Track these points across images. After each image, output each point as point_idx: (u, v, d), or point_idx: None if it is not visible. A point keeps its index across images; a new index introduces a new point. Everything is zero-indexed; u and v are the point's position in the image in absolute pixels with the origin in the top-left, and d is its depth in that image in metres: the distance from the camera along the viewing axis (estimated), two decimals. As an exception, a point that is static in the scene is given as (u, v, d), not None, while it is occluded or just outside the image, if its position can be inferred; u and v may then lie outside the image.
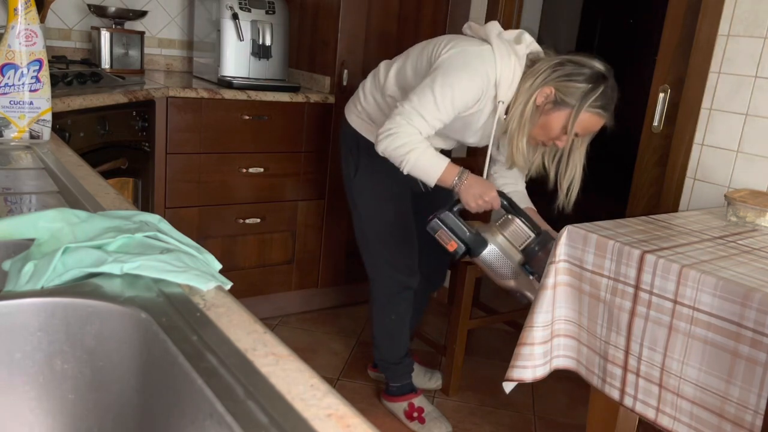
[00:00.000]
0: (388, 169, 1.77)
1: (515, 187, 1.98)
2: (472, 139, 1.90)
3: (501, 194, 1.74)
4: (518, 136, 1.74)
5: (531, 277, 1.68)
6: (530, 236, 1.69)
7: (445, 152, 2.06)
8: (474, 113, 1.79)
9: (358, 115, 2.01)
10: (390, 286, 2.08)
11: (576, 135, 1.74)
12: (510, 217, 1.73)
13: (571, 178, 1.81)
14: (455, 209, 1.72)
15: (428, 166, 1.70)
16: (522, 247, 1.70)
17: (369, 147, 1.89)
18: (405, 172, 1.72)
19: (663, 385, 1.33)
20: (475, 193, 1.71)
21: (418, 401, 2.16)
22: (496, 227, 1.72)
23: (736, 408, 1.21)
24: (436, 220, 1.70)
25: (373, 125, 1.96)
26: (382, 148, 1.71)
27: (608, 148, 6.85)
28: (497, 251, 1.68)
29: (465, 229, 1.69)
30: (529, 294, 1.70)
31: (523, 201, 1.96)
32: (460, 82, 1.69)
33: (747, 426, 1.19)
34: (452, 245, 1.69)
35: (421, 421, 2.13)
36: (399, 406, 2.18)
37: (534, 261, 1.68)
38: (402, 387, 2.19)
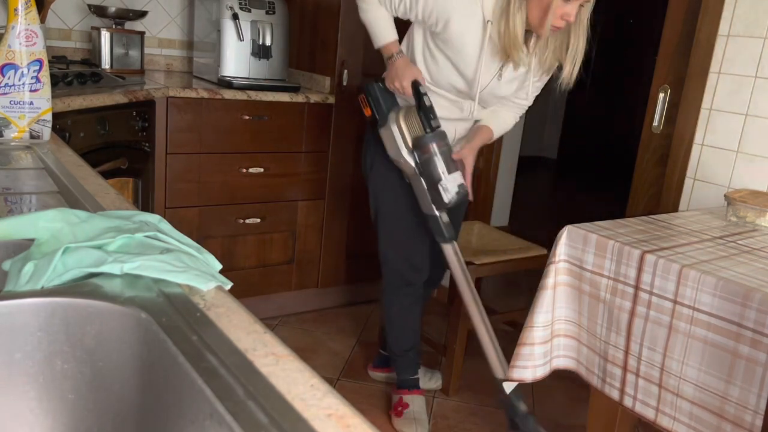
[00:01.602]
0: None
1: (499, 110, 1.98)
2: (468, 70, 1.82)
3: (416, 86, 1.78)
4: (511, 24, 1.69)
5: (414, 166, 1.79)
6: (422, 131, 1.78)
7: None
8: (460, 34, 1.74)
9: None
10: (393, 279, 2.10)
11: None
12: (412, 108, 1.81)
13: (574, 51, 1.78)
14: (384, 83, 1.87)
15: (378, 30, 1.87)
16: (414, 137, 1.79)
17: None
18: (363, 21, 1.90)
19: (663, 385, 1.33)
20: (393, 74, 1.81)
21: (410, 398, 2.17)
22: (402, 113, 1.81)
23: (736, 408, 1.21)
24: (368, 84, 1.89)
25: None
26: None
27: (608, 148, 6.83)
28: (390, 132, 1.80)
29: (382, 104, 1.85)
30: (406, 176, 1.84)
31: (491, 120, 1.96)
32: None
33: (747, 426, 1.19)
34: (367, 111, 1.89)
35: (398, 415, 2.15)
36: (395, 398, 2.20)
37: (419, 153, 1.78)
38: (403, 381, 2.20)
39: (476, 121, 1.99)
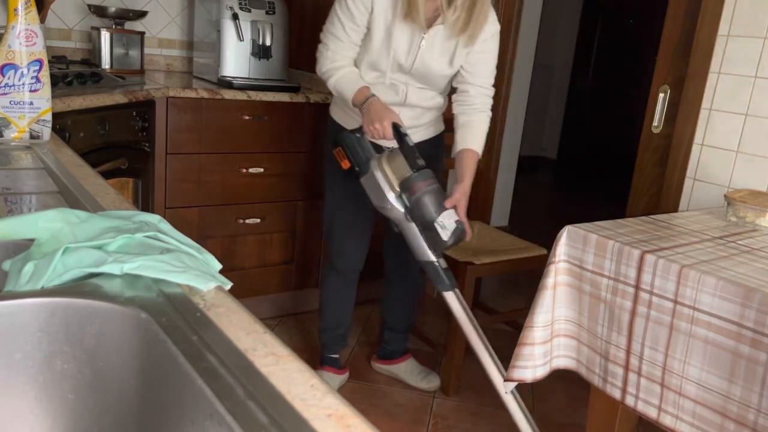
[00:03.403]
0: None
1: (468, 117, 1.96)
2: (402, 49, 1.86)
3: (397, 128, 1.73)
4: None
5: (403, 210, 1.73)
6: (409, 172, 1.72)
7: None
8: (380, 7, 1.81)
9: (334, 102, 2.11)
10: (328, 261, 2.23)
11: None
12: (395, 150, 1.77)
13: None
14: (361, 133, 1.82)
15: (345, 87, 1.86)
16: (401, 180, 1.74)
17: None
18: (333, 92, 1.93)
19: (665, 384, 1.33)
20: (371, 118, 1.77)
21: (320, 373, 2.24)
22: (384, 158, 1.77)
23: (739, 407, 1.21)
24: (342, 135, 1.84)
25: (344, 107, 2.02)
26: (318, 74, 1.93)
27: (608, 148, 6.82)
28: (374, 179, 1.75)
29: (360, 153, 1.80)
30: (395, 224, 1.79)
31: (469, 136, 1.94)
32: None
33: (750, 425, 1.19)
34: (345, 163, 1.83)
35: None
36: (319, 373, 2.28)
37: (408, 194, 1.72)
38: (322, 357, 2.34)
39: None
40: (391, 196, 1.74)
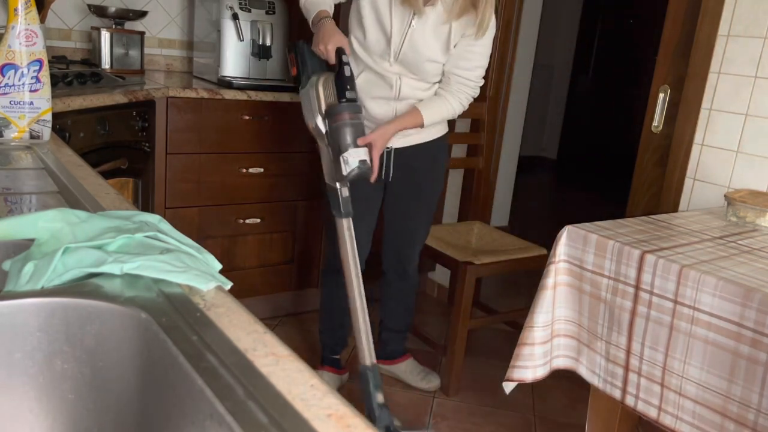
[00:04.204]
0: None
1: (441, 93, 1.98)
2: (386, 20, 1.88)
3: (340, 53, 1.76)
4: None
5: (323, 131, 1.77)
6: (334, 99, 1.76)
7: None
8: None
9: None
10: (327, 261, 2.24)
11: None
12: (330, 75, 1.80)
13: None
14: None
15: (311, 6, 1.88)
16: (328, 103, 1.77)
17: None
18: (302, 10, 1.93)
19: (665, 384, 1.33)
20: (319, 37, 1.80)
21: (320, 373, 2.24)
22: (323, 78, 1.79)
23: (739, 407, 1.21)
24: (297, 42, 1.87)
25: None
26: None
27: (608, 148, 6.81)
28: (308, 96, 1.80)
29: (309, 65, 1.84)
30: (318, 139, 1.82)
31: (424, 103, 1.95)
32: None
33: (750, 425, 1.19)
34: (293, 70, 1.87)
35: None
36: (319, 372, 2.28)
37: (330, 120, 1.76)
38: (323, 357, 2.36)
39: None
40: (318, 117, 1.78)
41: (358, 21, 1.92)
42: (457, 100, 1.97)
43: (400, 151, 2.05)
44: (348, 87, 1.74)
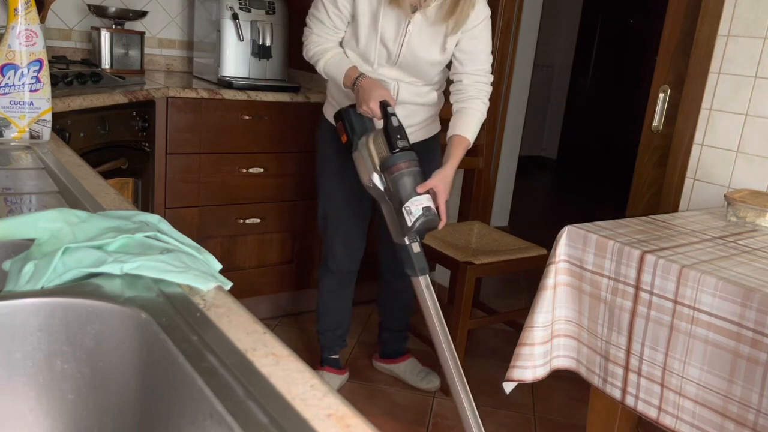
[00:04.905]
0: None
1: (461, 104, 1.94)
2: (389, 36, 1.87)
3: (385, 106, 1.74)
4: None
5: (381, 188, 1.76)
6: (386, 152, 1.73)
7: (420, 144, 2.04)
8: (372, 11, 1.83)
9: (328, 102, 2.10)
10: (323, 261, 2.22)
11: None
12: (378, 131, 1.78)
13: None
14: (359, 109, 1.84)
15: (334, 70, 1.88)
16: (381, 157, 1.75)
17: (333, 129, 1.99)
18: (324, 76, 1.94)
19: (665, 384, 1.33)
20: (361, 98, 1.79)
21: (320, 374, 2.22)
22: (372, 136, 1.79)
23: (739, 407, 1.21)
24: (342, 109, 1.87)
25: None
26: (305, 58, 1.96)
27: (608, 148, 6.81)
28: (360, 157, 1.79)
29: (356, 128, 1.82)
30: (377, 198, 1.80)
31: (459, 123, 1.92)
32: None
33: (750, 425, 1.19)
34: (344, 138, 1.85)
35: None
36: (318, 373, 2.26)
37: (386, 174, 1.73)
38: (322, 358, 2.34)
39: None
40: (374, 175, 1.75)
41: (353, 31, 1.89)
42: (479, 101, 1.94)
43: None
44: (399, 137, 1.70)
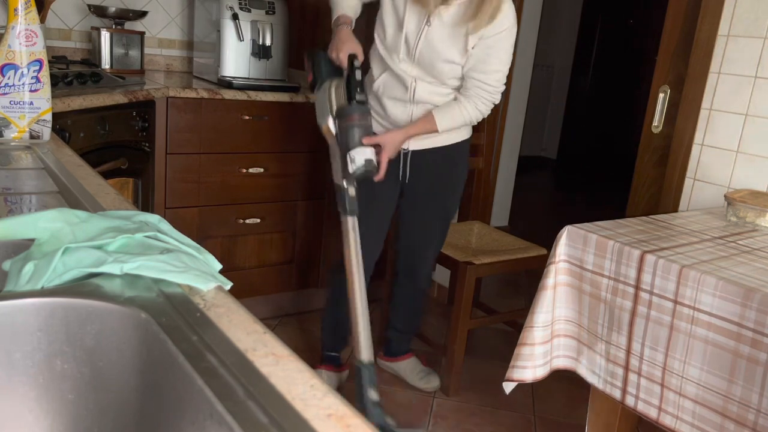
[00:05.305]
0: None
1: (456, 96, 1.95)
2: (411, 29, 1.89)
3: (352, 59, 1.83)
4: None
5: (333, 131, 1.86)
6: (344, 101, 1.84)
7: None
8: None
9: None
10: (334, 260, 2.25)
11: None
12: (342, 80, 1.87)
13: None
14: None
15: (336, 3, 1.98)
16: (339, 105, 1.86)
17: None
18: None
19: (665, 384, 1.33)
20: (334, 44, 1.89)
21: (318, 372, 2.24)
22: (335, 82, 1.88)
23: (739, 407, 1.21)
24: (313, 50, 1.99)
25: None
26: None
27: (608, 148, 6.81)
28: (321, 98, 1.90)
29: (323, 70, 1.93)
30: (328, 139, 1.90)
31: (439, 108, 1.94)
32: None
33: (750, 425, 1.19)
34: (309, 76, 1.98)
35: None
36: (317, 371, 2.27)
37: (340, 121, 1.84)
38: (323, 355, 2.35)
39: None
40: (329, 119, 1.87)
41: (380, 20, 1.96)
42: (473, 106, 1.91)
43: (417, 153, 2.04)
44: (358, 90, 1.81)
